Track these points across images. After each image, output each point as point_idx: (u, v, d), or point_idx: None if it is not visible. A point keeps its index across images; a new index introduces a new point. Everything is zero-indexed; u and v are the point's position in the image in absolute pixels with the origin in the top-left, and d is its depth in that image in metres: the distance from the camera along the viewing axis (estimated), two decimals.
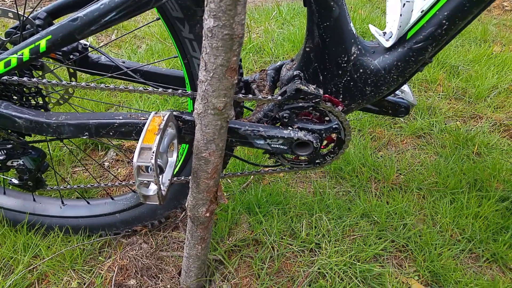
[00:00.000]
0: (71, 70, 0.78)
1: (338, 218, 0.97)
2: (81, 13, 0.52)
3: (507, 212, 0.98)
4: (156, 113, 0.55)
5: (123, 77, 0.78)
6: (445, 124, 1.38)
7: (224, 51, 0.47)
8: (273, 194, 1.01)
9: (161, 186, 0.51)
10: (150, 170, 0.48)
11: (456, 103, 1.52)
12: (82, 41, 0.75)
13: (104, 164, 1.19)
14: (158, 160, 0.49)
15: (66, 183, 1.06)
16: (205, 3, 0.45)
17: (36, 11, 0.70)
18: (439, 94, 1.56)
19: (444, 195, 1.04)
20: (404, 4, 0.52)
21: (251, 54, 1.75)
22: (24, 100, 0.68)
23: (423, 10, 0.54)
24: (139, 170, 0.48)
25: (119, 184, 0.83)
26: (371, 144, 1.26)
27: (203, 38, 0.47)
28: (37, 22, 0.69)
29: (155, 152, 0.47)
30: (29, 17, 0.68)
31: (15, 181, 0.73)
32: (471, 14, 0.52)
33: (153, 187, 0.50)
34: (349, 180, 1.11)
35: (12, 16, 0.69)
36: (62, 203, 0.92)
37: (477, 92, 1.54)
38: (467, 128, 1.35)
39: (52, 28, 0.54)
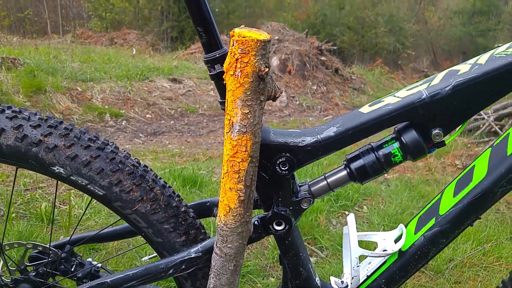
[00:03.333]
0: None
1: None
2: (109, 278, 0.67)
3: None
4: None
5: None
6: None
7: None
8: None
9: None
10: None
11: (419, 275, 1.68)
12: (94, 263, 0.89)
13: None
14: None
15: None
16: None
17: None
18: None
19: None
20: (353, 277, 0.70)
21: None
22: None
23: (368, 275, 0.73)
24: None
25: None
26: None
27: None
28: (62, 255, 0.83)
29: None
30: (54, 249, 0.83)
31: None
32: (400, 281, 0.71)
33: None
34: None
35: (40, 249, 0.83)
36: None
37: (436, 266, 1.71)
38: None
39: None
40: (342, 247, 0.79)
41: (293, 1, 12.34)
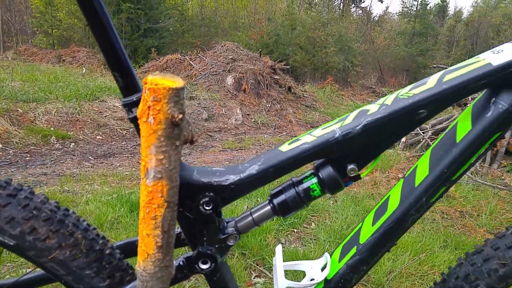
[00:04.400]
0: None
1: None
2: None
3: None
4: None
5: None
6: None
7: None
8: None
9: None
10: None
11: None
12: None
13: None
14: None
15: None
16: None
17: None
18: None
19: None
20: None
21: None
22: None
23: None
24: None
25: None
26: None
27: None
28: None
29: None
30: None
31: None
32: None
33: None
34: None
35: None
36: None
37: (377, 278, 1.78)
38: None
39: None
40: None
41: (247, 21, 12.62)
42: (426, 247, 2.08)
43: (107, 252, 0.68)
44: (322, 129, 0.66)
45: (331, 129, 0.64)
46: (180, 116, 0.52)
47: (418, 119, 0.63)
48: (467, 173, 3.40)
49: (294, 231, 2.20)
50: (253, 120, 6.77)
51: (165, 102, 0.50)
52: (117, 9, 9.24)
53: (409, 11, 18.59)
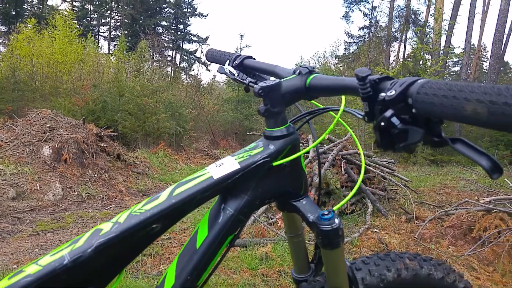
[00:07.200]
0: None
1: None
2: None
3: None
4: None
5: None
6: None
7: None
8: None
9: None
10: None
11: None
12: None
13: None
14: None
15: None
16: None
17: None
18: None
19: None
20: None
21: None
22: None
23: None
24: None
25: None
26: None
27: None
28: None
29: None
30: None
31: None
32: None
33: None
34: None
35: None
36: None
37: None
38: None
39: None
40: None
41: (71, 86, 11.79)
42: None
43: None
44: (51, 255, 0.61)
45: (60, 255, 0.60)
46: None
47: (153, 233, 0.66)
48: (282, 232, 3.57)
49: None
50: (76, 194, 6.16)
51: None
52: None
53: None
